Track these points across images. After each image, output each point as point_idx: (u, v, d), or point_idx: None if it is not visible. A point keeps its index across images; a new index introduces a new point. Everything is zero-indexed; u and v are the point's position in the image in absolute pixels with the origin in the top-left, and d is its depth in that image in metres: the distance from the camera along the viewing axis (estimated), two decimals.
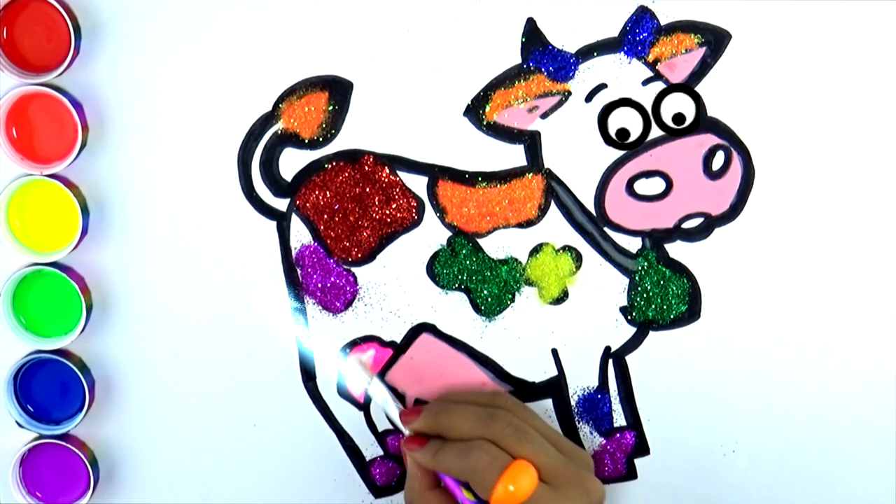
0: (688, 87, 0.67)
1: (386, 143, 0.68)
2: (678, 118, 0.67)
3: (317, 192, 0.69)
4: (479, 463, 0.60)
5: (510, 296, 0.69)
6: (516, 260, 0.69)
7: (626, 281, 0.69)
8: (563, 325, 0.69)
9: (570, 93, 0.67)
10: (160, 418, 0.71)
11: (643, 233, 0.68)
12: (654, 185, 0.68)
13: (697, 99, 0.67)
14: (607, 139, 0.67)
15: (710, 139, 0.67)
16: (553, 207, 0.68)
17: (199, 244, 0.69)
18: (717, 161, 0.67)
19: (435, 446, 0.63)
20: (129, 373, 0.71)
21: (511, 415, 0.63)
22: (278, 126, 0.68)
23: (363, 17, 0.67)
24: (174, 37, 0.67)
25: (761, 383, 0.69)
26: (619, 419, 0.70)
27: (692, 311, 0.69)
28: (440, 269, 0.69)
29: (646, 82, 0.67)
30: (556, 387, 0.70)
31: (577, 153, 0.68)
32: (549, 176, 0.68)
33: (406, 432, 0.66)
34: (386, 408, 0.68)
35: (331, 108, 0.68)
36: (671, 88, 0.67)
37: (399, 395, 0.70)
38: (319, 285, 0.70)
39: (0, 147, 0.68)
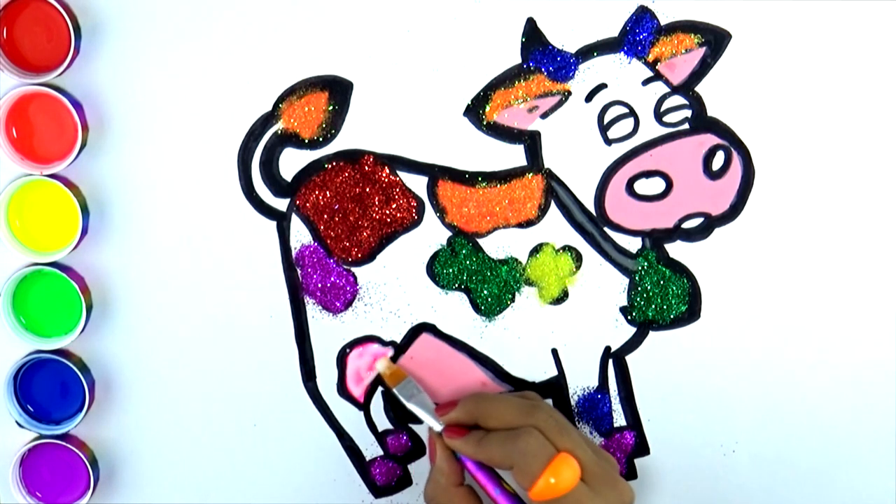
0: (688, 87, 0.67)
1: (386, 143, 0.68)
2: (678, 118, 0.67)
3: (317, 192, 0.69)
4: (528, 447, 0.60)
5: (510, 296, 0.69)
6: (516, 260, 0.69)
7: (626, 281, 0.69)
8: (563, 325, 0.69)
9: (570, 93, 0.67)
10: (160, 418, 0.71)
11: (643, 233, 0.68)
12: (654, 185, 0.68)
13: (697, 99, 0.67)
14: (607, 139, 0.67)
15: (710, 139, 0.67)
16: (553, 207, 0.68)
17: (199, 244, 0.69)
18: (717, 161, 0.67)
19: (478, 434, 0.63)
20: (129, 373, 0.71)
21: (552, 408, 0.64)
22: (278, 126, 0.68)
23: (363, 17, 0.67)
24: (174, 37, 0.67)
25: (761, 383, 0.69)
26: (619, 419, 0.70)
27: (692, 311, 0.69)
28: (440, 269, 0.69)
29: (646, 82, 0.67)
30: (556, 387, 0.70)
31: (577, 153, 0.68)
32: (549, 176, 0.68)
33: (438, 428, 0.65)
34: (418, 405, 0.67)
35: (331, 108, 0.68)
36: (671, 88, 0.67)
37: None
38: (319, 285, 0.70)
39: (0, 147, 0.68)
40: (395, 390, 0.68)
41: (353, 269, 0.70)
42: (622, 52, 0.67)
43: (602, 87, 0.67)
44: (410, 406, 0.67)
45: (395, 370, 0.69)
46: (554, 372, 0.70)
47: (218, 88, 0.68)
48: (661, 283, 0.69)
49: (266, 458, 0.71)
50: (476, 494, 0.64)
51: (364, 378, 0.71)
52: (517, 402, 0.63)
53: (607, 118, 0.67)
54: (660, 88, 0.67)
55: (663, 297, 0.69)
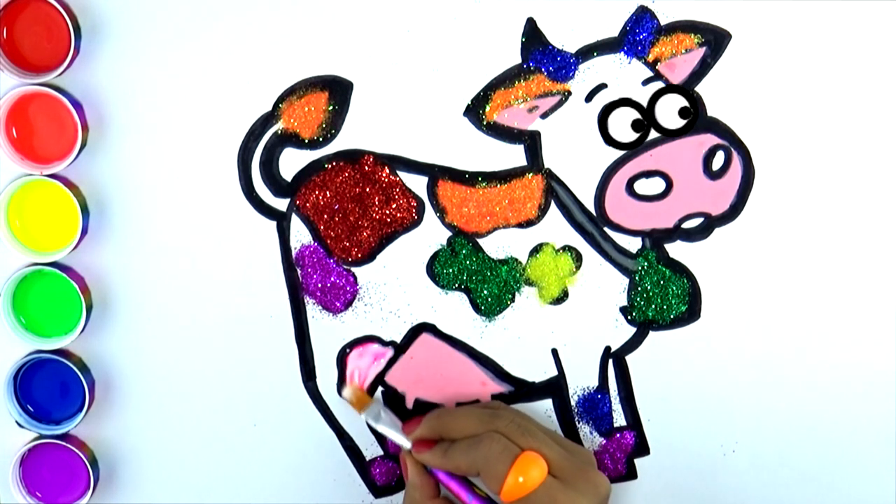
0: (687, 87, 0.67)
1: (386, 143, 0.68)
2: (678, 118, 0.67)
3: (317, 192, 0.69)
4: (491, 451, 0.61)
5: (510, 296, 0.69)
6: (516, 260, 0.69)
7: (626, 281, 0.69)
8: (563, 325, 0.69)
9: (570, 93, 0.67)
10: (160, 418, 0.71)
11: (643, 233, 0.68)
12: (654, 185, 0.68)
13: (697, 99, 0.67)
14: (607, 139, 0.67)
15: (710, 139, 0.67)
16: (553, 207, 0.68)
17: (199, 244, 0.69)
18: (717, 161, 0.67)
19: (444, 446, 0.64)
20: (129, 373, 0.71)
21: (513, 412, 0.65)
22: (278, 126, 0.68)
23: (363, 17, 0.67)
24: (174, 37, 0.67)
25: (761, 383, 0.69)
26: (619, 419, 0.70)
27: (692, 311, 0.69)
28: (440, 269, 0.69)
29: (646, 82, 0.67)
30: (556, 387, 0.70)
31: (577, 153, 0.68)
32: (549, 176, 0.68)
33: (407, 445, 0.66)
34: (386, 426, 0.68)
35: (331, 108, 0.68)
36: (671, 88, 0.67)
37: (399, 396, 0.70)
38: (319, 285, 0.70)
39: (0, 147, 0.68)
40: (362, 415, 0.69)
41: (353, 269, 0.70)
42: (622, 52, 0.67)
43: (602, 87, 0.67)
44: (378, 427, 0.68)
45: (360, 396, 0.70)
46: (554, 372, 0.70)
47: (218, 88, 0.68)
48: (661, 283, 0.69)
49: (266, 458, 0.71)
50: None
51: (364, 378, 0.71)
52: (477, 412, 0.65)
53: (607, 118, 0.67)
54: (660, 88, 0.67)
55: (663, 297, 0.69)
